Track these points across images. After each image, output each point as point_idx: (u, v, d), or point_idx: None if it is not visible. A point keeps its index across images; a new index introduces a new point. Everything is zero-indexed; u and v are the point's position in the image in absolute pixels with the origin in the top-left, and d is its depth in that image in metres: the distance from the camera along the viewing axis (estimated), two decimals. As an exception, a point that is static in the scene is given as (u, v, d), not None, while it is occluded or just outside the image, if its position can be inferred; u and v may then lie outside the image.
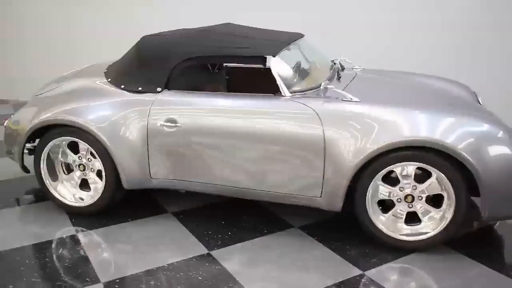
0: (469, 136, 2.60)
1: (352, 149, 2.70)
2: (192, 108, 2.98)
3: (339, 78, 3.28)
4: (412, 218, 2.81)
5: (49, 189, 3.27)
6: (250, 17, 4.68)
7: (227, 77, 3.75)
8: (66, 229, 3.10)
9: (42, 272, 2.63)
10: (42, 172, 3.25)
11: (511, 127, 2.81)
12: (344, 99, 2.84)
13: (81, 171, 3.25)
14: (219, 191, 3.05)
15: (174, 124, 2.98)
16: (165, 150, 3.02)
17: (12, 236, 3.01)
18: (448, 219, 2.71)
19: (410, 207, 2.79)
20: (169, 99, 3.04)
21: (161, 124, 2.99)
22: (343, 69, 3.64)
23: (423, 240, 2.78)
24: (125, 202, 3.40)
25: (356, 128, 2.72)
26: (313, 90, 2.95)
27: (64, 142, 3.20)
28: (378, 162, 2.70)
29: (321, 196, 2.84)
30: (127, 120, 3.05)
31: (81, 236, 3.01)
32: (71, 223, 3.18)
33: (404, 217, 2.82)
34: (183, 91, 3.08)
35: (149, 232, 3.07)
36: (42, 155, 3.21)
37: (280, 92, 2.91)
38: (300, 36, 3.53)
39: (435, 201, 2.77)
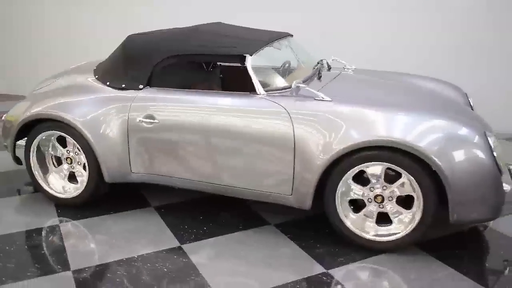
0: (439, 138, 2.57)
1: (320, 148, 2.72)
2: (170, 105, 3.06)
3: (319, 77, 3.29)
4: (385, 219, 2.80)
5: (38, 180, 3.42)
6: (249, 17, 4.76)
7: (213, 75, 3.85)
8: (51, 219, 3.23)
9: (17, 259, 2.76)
10: (32, 164, 3.40)
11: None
12: (316, 98, 2.86)
13: (69, 164, 3.38)
14: (196, 187, 3.12)
15: (152, 120, 3.06)
16: (144, 145, 3.11)
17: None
18: (417, 221, 2.69)
19: (381, 208, 2.78)
20: (149, 96, 3.13)
21: (139, 120, 3.09)
22: (329, 68, 3.65)
23: (392, 241, 2.76)
24: (112, 196, 3.51)
25: (325, 126, 2.73)
26: (288, 89, 2.98)
27: (53, 136, 3.34)
28: (345, 162, 2.70)
29: (291, 194, 2.86)
30: (110, 115, 3.16)
31: (62, 226, 3.14)
32: (57, 213, 3.32)
33: (375, 217, 2.81)
34: (164, 89, 3.16)
35: (129, 224, 3.17)
36: (32, 148, 3.36)
37: (256, 91, 2.96)
38: (286, 35, 3.56)
39: (408, 202, 2.75)
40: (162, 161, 3.11)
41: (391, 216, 2.78)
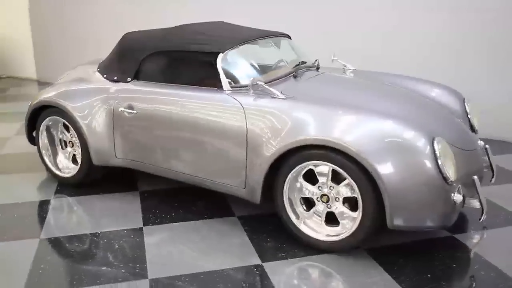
0: (379, 141, 2.53)
1: (268, 144, 2.79)
2: (147, 97, 3.31)
3: (295, 76, 3.33)
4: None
5: (44, 159, 3.85)
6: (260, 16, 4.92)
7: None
8: (47, 194, 3.64)
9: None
10: (40, 145, 3.84)
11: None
12: (272, 96, 2.93)
13: (71, 147, 3.77)
14: (167, 175, 3.33)
15: (131, 111, 3.33)
16: (125, 133, 3.39)
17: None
18: (357, 223, 2.66)
19: (329, 207, 2.78)
20: (133, 88, 3.41)
21: (122, 110, 3.37)
22: (317, 68, 3.66)
23: (336, 241, 2.76)
24: (111, 179, 3.84)
25: (274, 123, 2.80)
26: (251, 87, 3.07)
27: (60, 122, 3.73)
28: (292, 159, 2.75)
29: (245, 187, 2.96)
30: (100, 104, 3.48)
31: (53, 201, 3.52)
32: (56, 190, 3.72)
33: (323, 216, 2.82)
34: (147, 82, 3.41)
35: (110, 204, 3.47)
36: (40, 130, 3.80)
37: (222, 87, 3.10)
38: (280, 35, 3.66)
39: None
40: (139, 149, 3.37)
41: (337, 217, 2.77)
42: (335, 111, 2.73)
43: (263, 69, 3.38)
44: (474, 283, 2.53)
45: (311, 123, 2.69)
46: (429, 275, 2.58)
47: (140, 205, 3.45)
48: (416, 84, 3.57)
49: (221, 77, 3.09)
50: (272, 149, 2.76)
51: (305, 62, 3.62)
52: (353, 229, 2.68)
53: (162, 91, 3.27)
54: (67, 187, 3.77)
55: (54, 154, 3.88)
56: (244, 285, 2.51)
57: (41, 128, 3.79)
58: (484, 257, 2.75)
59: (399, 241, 2.91)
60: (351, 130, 2.60)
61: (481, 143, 3.37)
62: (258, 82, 2.96)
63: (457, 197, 2.56)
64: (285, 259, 2.75)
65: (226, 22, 3.98)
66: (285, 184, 2.82)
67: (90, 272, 2.63)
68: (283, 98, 2.89)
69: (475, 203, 2.75)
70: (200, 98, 3.11)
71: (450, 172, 2.54)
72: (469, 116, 3.41)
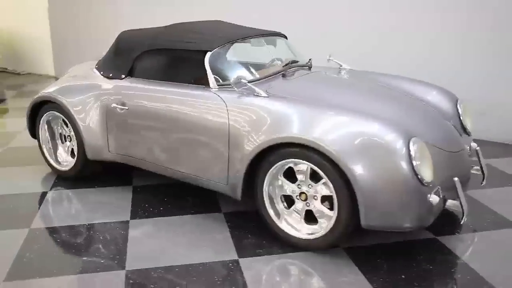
0: (355, 141, 2.53)
1: (248, 141, 2.83)
2: (138, 94, 3.39)
3: (284, 75, 3.36)
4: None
5: (44, 153, 3.98)
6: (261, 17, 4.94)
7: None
8: (44, 186, 3.77)
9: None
10: (41, 139, 3.98)
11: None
12: (255, 94, 2.96)
13: (70, 141, 3.89)
14: (156, 170, 3.41)
15: (123, 107, 3.42)
16: (117, 128, 3.48)
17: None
18: (333, 222, 2.67)
19: (308, 206, 2.80)
20: (126, 85, 3.49)
21: (114, 106, 3.46)
22: (310, 68, 3.68)
23: (313, 239, 2.77)
24: (112, 173, 3.95)
25: (254, 121, 2.84)
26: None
27: (60, 117, 3.86)
28: (271, 156, 2.78)
29: (227, 184, 3.01)
30: (94, 100, 3.59)
31: (49, 193, 3.65)
32: (54, 183, 3.85)
33: (302, 214, 2.83)
34: (139, 79, 3.50)
35: (103, 197, 3.57)
36: (40, 125, 3.93)
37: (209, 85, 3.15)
38: (275, 34, 3.69)
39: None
40: (130, 144, 3.45)
41: (315, 215, 2.79)
42: (314, 110, 2.75)
43: (252, 68, 3.41)
44: (447, 286, 2.51)
45: (289, 121, 2.72)
46: (403, 276, 2.57)
47: (131, 199, 3.54)
48: (408, 84, 3.55)
49: (208, 75, 3.14)
50: (252, 146, 2.80)
51: (297, 61, 3.64)
52: (329, 228, 2.69)
53: (152, 88, 3.35)
54: (65, 180, 3.89)
55: (55, 148, 4.00)
56: (216, 279, 2.55)
57: (41, 122, 3.92)
58: (464, 260, 2.72)
59: (380, 242, 2.91)
60: (327, 129, 2.61)
61: (473, 145, 3.33)
62: (242, 80, 3.00)
63: (434, 199, 2.54)
64: (262, 256, 2.78)
65: (222, 21, 4.03)
66: (265, 181, 2.85)
67: (72, 262, 2.72)
68: (265, 96, 2.93)
69: (456, 205, 2.72)
70: (187, 95, 3.17)
71: (427, 173, 2.53)
72: (461, 118, 3.38)
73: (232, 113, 2.92)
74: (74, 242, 2.94)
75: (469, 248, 2.87)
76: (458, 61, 4.89)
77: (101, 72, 3.73)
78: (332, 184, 2.60)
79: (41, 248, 2.88)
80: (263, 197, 2.88)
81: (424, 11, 4.94)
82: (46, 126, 3.94)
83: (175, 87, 3.27)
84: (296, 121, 2.71)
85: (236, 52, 3.39)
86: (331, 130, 2.61)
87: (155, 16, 6.86)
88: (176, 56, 3.36)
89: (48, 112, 3.83)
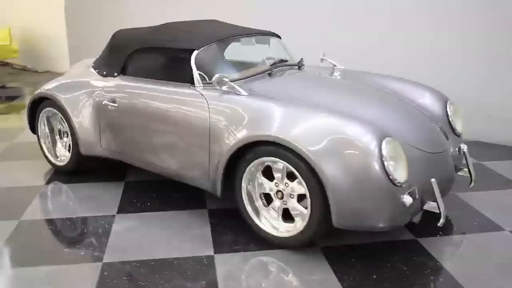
0: (328, 140, 2.54)
1: (227, 139, 2.87)
2: (128, 91, 3.46)
3: (270, 74, 3.38)
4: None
5: (42, 148, 4.11)
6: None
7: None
8: (40, 180, 3.89)
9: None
10: (39, 134, 4.10)
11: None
12: (236, 92, 3.00)
13: (67, 137, 4.00)
14: (142, 165, 3.48)
15: (113, 104, 3.50)
16: (108, 124, 3.57)
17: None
18: (306, 221, 2.68)
19: (285, 204, 2.82)
20: (118, 82, 3.57)
21: (105, 103, 3.55)
22: (300, 67, 3.68)
23: (288, 237, 2.79)
24: (110, 169, 4.04)
25: (233, 119, 2.88)
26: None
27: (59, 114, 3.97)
28: (248, 154, 2.81)
29: (208, 180, 3.05)
30: (88, 97, 3.68)
31: (44, 187, 3.76)
32: (50, 177, 3.96)
33: (280, 212, 2.85)
34: (131, 77, 3.57)
35: (94, 192, 3.66)
36: (38, 121, 4.06)
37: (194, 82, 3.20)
38: (259, 32, 3.72)
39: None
40: (119, 140, 3.54)
41: (292, 213, 2.80)
42: (290, 109, 2.76)
43: (238, 67, 3.45)
44: (417, 287, 2.49)
45: (265, 120, 2.74)
46: (374, 276, 2.56)
47: (121, 194, 3.62)
48: (398, 84, 3.53)
49: (194, 74, 3.19)
50: (230, 143, 2.83)
51: (286, 61, 3.65)
52: (303, 227, 2.70)
53: (140, 86, 3.42)
54: (61, 174, 4.00)
55: (54, 143, 4.12)
56: (189, 273, 2.60)
57: (39, 118, 4.04)
58: (440, 262, 2.69)
59: (359, 242, 2.90)
60: (300, 128, 2.63)
61: (463, 146, 3.29)
62: (224, 79, 3.03)
63: (407, 199, 2.52)
64: (238, 252, 2.81)
65: (217, 20, 4.06)
66: (243, 179, 2.88)
67: (52, 253, 2.81)
68: (245, 95, 2.96)
69: (434, 207, 2.70)
70: (173, 93, 3.22)
71: (400, 174, 2.51)
72: (450, 119, 3.33)
73: (213, 110, 2.97)
74: (59, 234, 3.04)
75: (448, 251, 2.84)
76: (459, 61, 4.84)
77: (97, 70, 3.83)
78: (305, 183, 2.61)
79: (26, 239, 2.98)
80: (241, 194, 2.91)
81: (424, 11, 4.90)
82: (45, 122, 4.06)
83: (162, 85, 3.33)
84: (271, 120, 2.73)
85: (222, 51, 3.43)
86: (303, 129, 2.62)
87: (171, 16, 6.92)
88: (165, 55, 3.43)
89: (46, 109, 3.95)
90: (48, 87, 3.92)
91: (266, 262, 2.72)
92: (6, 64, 9.89)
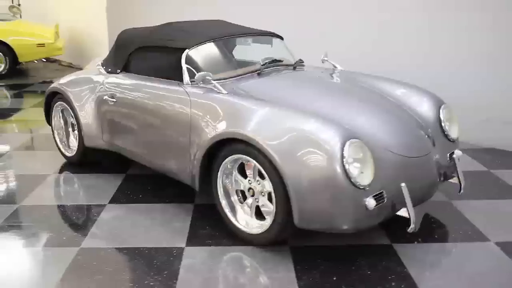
0: (291, 139, 2.56)
1: (204, 135, 2.95)
2: (126, 87, 3.62)
3: (259, 73, 3.41)
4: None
5: (55, 139, 4.37)
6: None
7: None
8: (49, 170, 4.14)
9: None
10: (52, 127, 4.37)
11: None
12: (217, 91, 3.07)
13: (74, 130, 4.24)
14: (135, 158, 3.65)
15: (112, 99, 3.68)
16: (108, 118, 3.75)
17: (13, 166, 4.24)
18: (272, 219, 2.71)
19: (257, 201, 2.86)
20: (118, 79, 3.75)
21: (105, 98, 3.73)
22: (294, 68, 3.69)
23: (256, 234, 2.82)
24: (116, 161, 4.20)
25: (210, 116, 2.96)
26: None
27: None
28: (223, 151, 2.87)
29: (189, 174, 3.14)
30: (91, 92, 3.89)
31: (50, 176, 4.00)
32: (60, 167, 4.21)
33: (252, 209, 2.89)
34: (131, 74, 3.73)
35: (94, 182, 3.86)
36: (53, 114, 4.32)
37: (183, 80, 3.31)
38: (259, 33, 3.78)
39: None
40: (117, 133, 3.71)
41: (262, 211, 2.84)
42: (260, 108, 2.80)
43: (229, 66, 3.52)
44: (374, 291, 2.46)
45: (237, 118, 2.80)
46: (334, 278, 2.55)
47: (119, 185, 3.79)
48: (391, 86, 3.47)
49: (183, 72, 3.30)
50: (206, 139, 2.91)
51: (281, 61, 3.67)
52: (269, 225, 2.73)
53: (136, 83, 3.57)
54: (71, 165, 4.24)
55: (67, 135, 4.37)
56: (155, 263, 2.70)
57: (53, 111, 4.31)
58: (408, 269, 2.63)
59: (331, 243, 2.88)
60: (266, 127, 2.66)
61: (457, 152, 3.19)
62: (207, 77, 3.11)
63: (370, 202, 2.49)
64: (209, 246, 2.88)
65: (222, 20, 4.16)
66: (219, 175, 2.95)
67: (36, 236, 3.01)
68: (225, 93, 3.02)
69: (404, 212, 2.65)
70: (162, 90, 3.35)
71: (364, 177, 2.49)
72: (442, 124, 3.23)
73: (194, 107, 3.06)
74: (48, 220, 3.23)
75: (420, 258, 2.76)
76: (480, 64, 4.66)
77: (104, 67, 4.03)
78: (271, 181, 2.64)
79: (19, 222, 3.20)
80: (217, 190, 2.98)
81: (425, 11, 4.81)
82: (60, 115, 4.31)
83: (155, 82, 3.46)
84: (242, 118, 2.78)
85: (214, 50, 3.50)
86: (270, 127, 2.66)
87: (202, 15, 7.03)
88: (161, 53, 3.55)
89: (58, 102, 4.20)
90: (60, 82, 4.17)
91: (232, 257, 2.77)
92: (54, 61, 10.49)
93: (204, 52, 3.45)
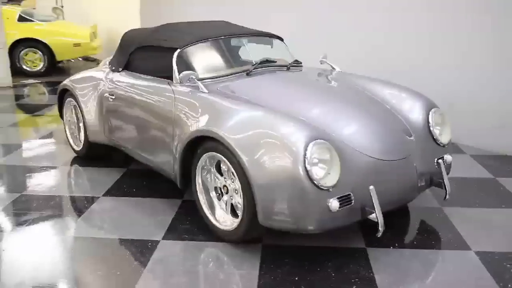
0: (258, 138, 2.59)
1: (184, 132, 3.03)
2: (123, 85, 3.77)
3: (248, 73, 3.45)
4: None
5: (66, 134, 4.59)
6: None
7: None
8: (58, 162, 4.36)
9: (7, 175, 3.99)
10: (64, 121, 4.60)
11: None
12: (200, 89, 3.14)
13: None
14: (131, 154, 3.77)
15: (111, 96, 3.83)
16: (108, 115, 3.91)
17: (25, 158, 4.49)
18: (240, 217, 2.74)
19: (232, 199, 2.90)
20: (119, 77, 3.90)
21: (106, 95, 3.89)
22: (288, 68, 3.70)
23: (228, 230, 2.87)
24: (123, 157, 4.35)
25: (191, 114, 3.03)
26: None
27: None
28: (199, 149, 2.94)
29: (173, 171, 3.23)
30: (94, 89, 4.07)
31: (57, 168, 4.21)
32: (69, 160, 4.41)
33: (227, 206, 2.94)
34: (130, 72, 3.87)
35: (94, 176, 4.03)
36: (64, 109, 4.55)
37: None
38: (258, 34, 3.83)
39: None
40: (114, 129, 3.87)
41: (235, 208, 2.88)
42: (236, 108, 2.85)
43: (219, 65, 3.58)
44: (332, 293, 2.44)
45: (212, 116, 2.87)
46: (296, 278, 2.55)
47: (117, 179, 3.93)
48: (382, 88, 3.42)
49: (173, 71, 3.39)
50: (185, 136, 2.99)
51: (274, 61, 3.69)
52: (238, 222, 2.77)
53: (132, 81, 3.71)
54: (79, 159, 4.44)
55: (79, 130, 4.58)
56: (127, 255, 2.80)
57: (65, 107, 4.53)
58: (374, 274, 2.59)
59: (305, 244, 2.88)
60: (237, 126, 2.70)
61: (448, 157, 3.11)
62: (191, 77, 3.18)
63: (333, 204, 2.47)
64: (184, 240, 2.95)
65: (225, 21, 4.23)
66: (197, 172, 3.01)
67: (28, 223, 3.18)
68: (205, 92, 3.09)
69: (373, 216, 2.61)
70: (153, 88, 3.47)
71: (329, 178, 2.48)
72: (431, 128, 3.15)
73: (177, 105, 3.15)
74: (41, 208, 3.41)
75: (391, 263, 2.70)
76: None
77: (109, 66, 4.20)
78: (239, 179, 2.67)
79: (17, 209, 3.40)
80: (195, 186, 3.05)
81: (428, 10, 4.72)
82: (72, 110, 4.51)
83: (148, 81, 3.58)
84: (218, 117, 2.84)
85: (205, 50, 3.57)
86: (238, 126, 2.70)
87: (233, 16, 7.14)
88: (155, 53, 3.66)
89: (68, 99, 4.41)
90: (70, 79, 4.39)
91: (203, 252, 2.83)
92: (94, 60, 10.93)
93: (195, 52, 3.52)
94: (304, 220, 2.52)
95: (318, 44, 4.92)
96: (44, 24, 9.25)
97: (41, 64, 8.96)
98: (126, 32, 4.21)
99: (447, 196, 3.03)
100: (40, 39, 8.87)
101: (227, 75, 3.42)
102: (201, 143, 2.93)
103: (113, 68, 4.08)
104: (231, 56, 3.72)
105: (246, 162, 2.56)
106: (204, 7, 7.93)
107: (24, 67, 8.92)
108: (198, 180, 3.04)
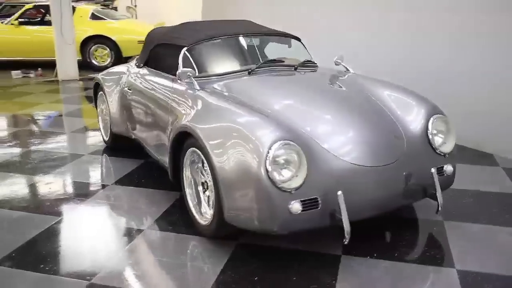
0: (227, 135, 2.63)
1: (174, 127, 3.13)
2: (139, 80, 3.96)
3: (249, 73, 3.46)
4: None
5: (99, 124, 4.89)
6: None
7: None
8: (86, 150, 4.68)
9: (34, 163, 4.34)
10: (97, 112, 4.91)
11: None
12: (194, 86, 3.22)
13: (109, 116, 4.71)
14: (142, 145, 3.94)
15: (129, 90, 4.04)
16: (127, 108, 4.13)
17: (60, 146, 4.85)
18: (211, 213, 2.79)
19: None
20: (139, 72, 4.09)
21: (125, 90, 4.11)
22: (295, 68, 3.65)
23: (203, 226, 2.93)
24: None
25: (182, 109, 3.14)
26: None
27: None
28: (184, 144, 3.02)
29: (167, 164, 3.34)
30: (117, 84, 4.32)
31: (84, 157, 4.51)
32: (95, 150, 4.70)
33: (209, 201, 2.98)
34: (148, 68, 4.05)
35: (114, 165, 4.29)
36: (97, 102, 4.85)
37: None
38: (275, 34, 3.88)
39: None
40: (131, 122, 4.07)
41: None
42: (218, 105, 2.92)
43: (222, 64, 3.63)
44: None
45: (197, 113, 2.96)
46: (255, 278, 2.54)
47: (132, 170, 4.13)
48: (383, 91, 3.31)
49: (178, 67, 3.50)
50: (173, 131, 3.10)
51: (282, 61, 3.67)
52: (211, 218, 2.81)
53: (147, 76, 3.89)
54: (107, 148, 4.72)
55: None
56: (108, 241, 2.96)
57: (98, 99, 4.84)
58: (337, 283, 2.50)
59: (281, 245, 2.84)
60: (212, 123, 2.77)
61: (448, 168, 2.94)
62: (188, 74, 3.27)
63: (295, 206, 2.43)
64: (166, 232, 3.05)
65: (247, 20, 4.28)
66: (184, 165, 3.10)
67: (33, 202, 3.49)
68: (196, 89, 3.16)
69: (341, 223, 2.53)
70: (159, 83, 3.63)
71: (293, 180, 2.44)
72: (429, 135, 2.97)
73: (173, 102, 3.27)
74: (54, 191, 3.68)
75: (361, 274, 2.59)
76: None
77: (136, 62, 4.42)
78: (211, 175, 2.72)
79: (31, 190, 3.72)
80: (183, 180, 3.14)
81: (438, 10, 4.47)
82: (103, 103, 4.81)
83: (158, 76, 3.74)
84: (201, 114, 2.92)
85: (211, 49, 3.65)
86: (215, 123, 2.76)
87: (286, 15, 7.20)
88: (168, 50, 3.80)
89: (100, 92, 4.71)
90: (101, 74, 4.68)
91: (179, 244, 2.90)
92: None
93: (201, 50, 3.60)
94: (266, 221, 2.50)
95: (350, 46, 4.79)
96: (114, 23, 9.88)
97: (108, 60, 9.58)
98: (150, 31, 4.40)
99: (439, 209, 2.85)
100: (109, 36, 9.48)
101: (229, 74, 3.46)
102: (187, 138, 3.01)
103: (137, 63, 4.29)
104: (239, 55, 3.75)
105: (214, 159, 2.60)
106: (265, 7, 7.96)
107: (94, 62, 9.58)
108: (186, 173, 3.12)
